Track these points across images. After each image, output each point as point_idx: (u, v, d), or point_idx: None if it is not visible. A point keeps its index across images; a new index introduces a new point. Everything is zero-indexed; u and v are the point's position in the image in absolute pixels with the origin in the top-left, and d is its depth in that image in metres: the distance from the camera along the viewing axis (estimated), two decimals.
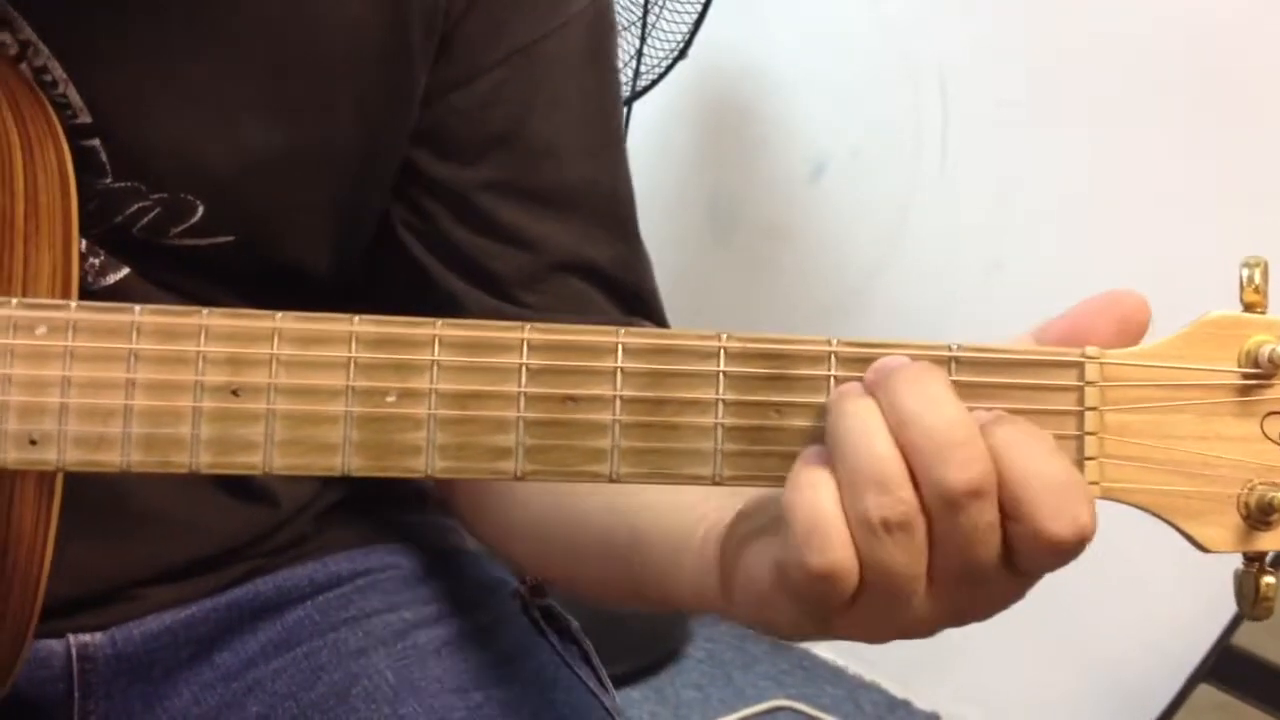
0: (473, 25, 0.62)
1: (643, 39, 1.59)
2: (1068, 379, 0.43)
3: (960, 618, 0.44)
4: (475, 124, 0.63)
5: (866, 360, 0.43)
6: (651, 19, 1.58)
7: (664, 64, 1.60)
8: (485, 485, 0.65)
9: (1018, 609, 1.62)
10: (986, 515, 0.40)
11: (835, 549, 0.40)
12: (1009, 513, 0.41)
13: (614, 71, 0.68)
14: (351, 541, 0.71)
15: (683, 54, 1.59)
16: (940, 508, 0.40)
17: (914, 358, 0.43)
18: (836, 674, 1.79)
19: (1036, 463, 0.40)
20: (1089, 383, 0.42)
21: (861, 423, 0.41)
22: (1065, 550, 0.41)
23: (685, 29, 1.58)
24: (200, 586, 0.67)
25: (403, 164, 0.64)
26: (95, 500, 0.59)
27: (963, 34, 1.63)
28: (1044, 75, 1.56)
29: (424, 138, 0.63)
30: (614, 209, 0.67)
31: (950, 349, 0.43)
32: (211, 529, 0.66)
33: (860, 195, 1.75)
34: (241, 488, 0.67)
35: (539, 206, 0.64)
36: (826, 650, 1.82)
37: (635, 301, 0.67)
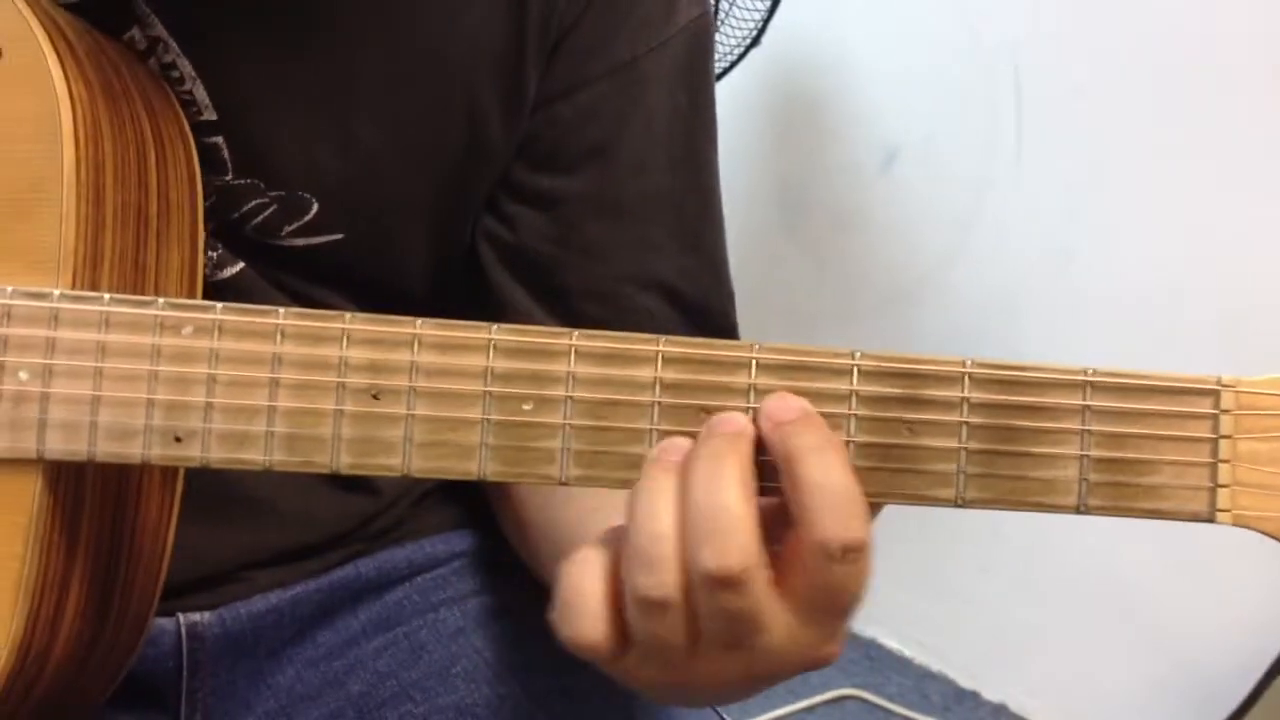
0: (578, 38, 0.63)
1: (715, 28, 1.59)
2: (1203, 407, 0.43)
3: (755, 681, 0.46)
4: (572, 136, 0.64)
5: (1000, 381, 0.43)
6: (725, 6, 1.58)
7: (736, 51, 1.60)
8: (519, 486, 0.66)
9: (1091, 599, 1.62)
10: (739, 603, 0.42)
11: (582, 624, 0.44)
12: (796, 519, 0.42)
13: (708, 86, 0.68)
14: (447, 524, 0.73)
15: (756, 42, 1.58)
16: (698, 586, 0.42)
17: (1048, 381, 0.43)
18: (903, 664, 1.79)
19: (832, 472, 0.42)
20: (1224, 410, 0.43)
21: (649, 498, 0.43)
22: (836, 561, 0.42)
23: (759, 16, 1.57)
24: (305, 569, 0.68)
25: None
26: (207, 487, 0.61)
27: (1036, 19, 1.61)
28: (1120, 61, 1.54)
29: (523, 148, 0.64)
30: (686, 221, 0.67)
31: (1085, 373, 0.43)
32: (317, 516, 0.68)
33: (932, 184, 1.73)
34: (347, 477, 0.68)
35: (617, 218, 0.65)
36: (894, 640, 1.82)
37: (700, 316, 0.67)
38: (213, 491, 0.63)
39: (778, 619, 0.43)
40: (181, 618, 0.66)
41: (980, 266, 1.69)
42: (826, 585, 0.42)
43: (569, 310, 0.65)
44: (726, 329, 0.68)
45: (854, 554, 0.42)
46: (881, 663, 1.79)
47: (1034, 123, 1.63)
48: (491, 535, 0.72)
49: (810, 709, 1.69)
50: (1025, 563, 1.68)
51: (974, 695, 1.74)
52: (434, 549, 0.71)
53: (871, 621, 1.85)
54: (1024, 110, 1.63)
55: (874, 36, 1.76)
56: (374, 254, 0.65)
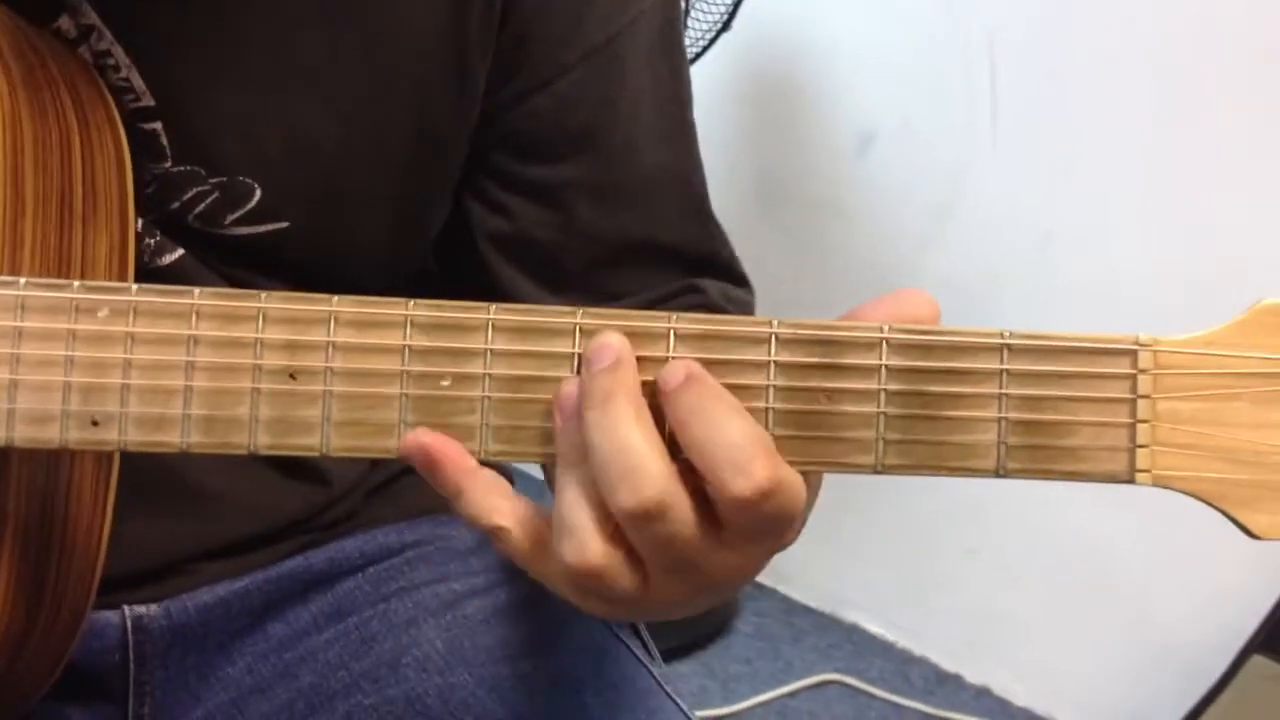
0: (548, 27, 0.62)
1: (686, 11, 1.58)
2: (1121, 367, 0.42)
3: (700, 594, 0.46)
4: (557, 124, 0.64)
5: (918, 346, 0.43)
6: None
7: (708, 36, 1.59)
8: None
9: (1071, 582, 1.63)
10: (668, 529, 0.43)
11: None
12: (703, 477, 0.43)
13: (683, 56, 0.69)
14: (400, 515, 0.72)
15: (726, 26, 1.57)
16: (625, 523, 0.43)
17: (965, 345, 0.43)
18: (886, 648, 1.79)
19: (715, 428, 0.42)
20: (1142, 370, 0.42)
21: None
22: (753, 507, 0.42)
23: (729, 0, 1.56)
24: (253, 561, 0.68)
25: (484, 164, 0.65)
26: (151, 478, 0.61)
27: (1013, 3, 1.61)
28: (1096, 44, 1.54)
29: (506, 141, 0.64)
30: (686, 193, 0.68)
31: (1003, 335, 0.43)
32: (265, 507, 0.68)
33: (909, 168, 1.73)
34: (295, 467, 0.68)
35: (615, 199, 0.65)
36: (876, 624, 1.82)
37: (707, 266, 0.68)
38: (158, 482, 0.62)
39: (717, 549, 0.44)
40: (127, 610, 0.65)
41: (958, 251, 1.69)
42: (755, 522, 0.43)
43: (573, 285, 0.65)
44: (734, 274, 0.70)
45: (764, 496, 0.42)
46: (864, 647, 1.79)
47: (1010, 106, 1.63)
48: (444, 525, 0.72)
49: (793, 694, 1.69)
50: (1007, 547, 1.68)
51: (956, 678, 1.74)
52: (386, 539, 0.71)
53: (854, 606, 1.85)
54: (1000, 94, 1.63)
55: (849, 20, 1.75)
56: (321, 242, 0.64)
